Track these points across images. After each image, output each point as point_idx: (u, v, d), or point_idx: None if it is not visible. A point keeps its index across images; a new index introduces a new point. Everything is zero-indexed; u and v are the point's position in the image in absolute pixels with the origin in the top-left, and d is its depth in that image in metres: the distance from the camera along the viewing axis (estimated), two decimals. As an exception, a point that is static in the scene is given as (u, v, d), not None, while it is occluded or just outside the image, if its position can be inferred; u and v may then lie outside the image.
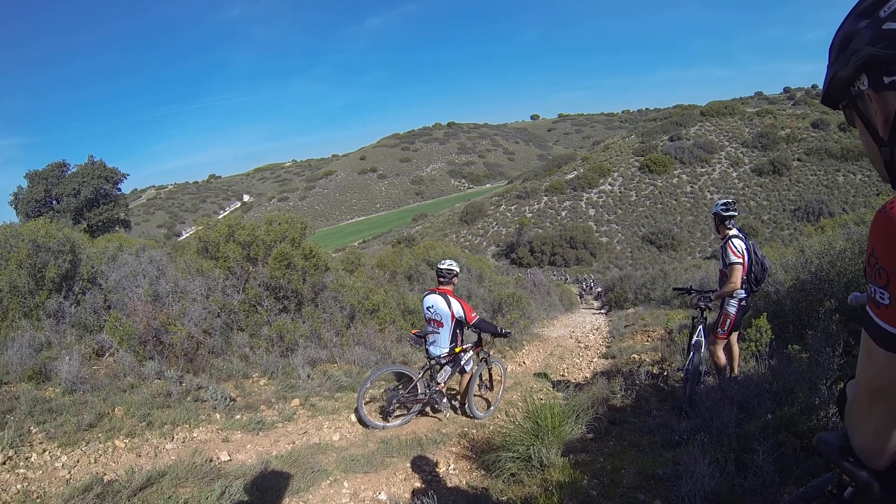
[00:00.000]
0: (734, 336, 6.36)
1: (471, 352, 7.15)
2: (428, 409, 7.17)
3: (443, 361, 6.86)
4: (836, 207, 51.31)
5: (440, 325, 6.75)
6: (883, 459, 1.21)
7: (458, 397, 7.25)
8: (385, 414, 6.74)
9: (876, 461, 1.23)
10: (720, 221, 6.25)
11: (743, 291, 6.10)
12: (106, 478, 4.50)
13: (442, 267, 6.89)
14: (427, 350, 6.93)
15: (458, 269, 7.06)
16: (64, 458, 4.71)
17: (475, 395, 7.34)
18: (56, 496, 4.13)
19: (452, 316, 6.68)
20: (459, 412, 7.26)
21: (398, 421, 6.70)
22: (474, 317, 6.76)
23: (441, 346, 6.79)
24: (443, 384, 6.90)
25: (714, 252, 40.73)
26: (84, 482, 4.32)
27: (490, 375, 7.80)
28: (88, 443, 5.01)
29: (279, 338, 8.33)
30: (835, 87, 1.37)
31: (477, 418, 7.00)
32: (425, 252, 16.68)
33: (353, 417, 6.77)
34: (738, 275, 5.98)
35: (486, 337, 7.41)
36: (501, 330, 7.16)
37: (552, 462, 4.68)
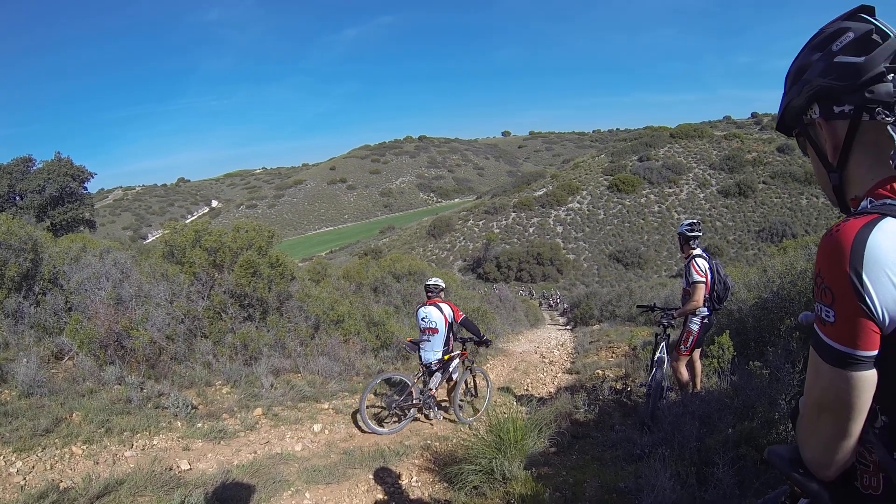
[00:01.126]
0: (696, 353, 6.48)
1: (457, 359, 7.62)
2: (420, 415, 7.47)
3: (434, 368, 7.34)
4: (799, 229, 52.48)
5: (435, 331, 7.25)
6: (831, 471, 1.26)
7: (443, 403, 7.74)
8: (380, 420, 7.24)
9: (825, 472, 1.27)
10: (685, 241, 6.37)
11: (706, 309, 6.22)
12: (62, 485, 4.42)
13: (429, 283, 7.62)
14: (420, 357, 7.45)
15: (443, 285, 7.75)
16: (19, 463, 4.61)
17: (460, 400, 7.75)
18: (10, 503, 4.04)
19: (446, 320, 7.24)
20: (444, 417, 7.70)
21: (396, 426, 7.04)
22: (461, 315, 7.41)
23: (435, 350, 7.28)
24: (434, 389, 7.36)
25: (679, 271, 41.31)
26: (39, 489, 4.24)
27: (475, 382, 8.27)
28: (45, 448, 4.90)
29: (243, 346, 8.25)
30: (789, 115, 1.48)
31: (462, 422, 7.39)
32: (391, 265, 16.72)
33: (316, 428, 6.75)
34: (700, 293, 6.10)
35: (469, 346, 7.98)
36: (483, 337, 7.68)
37: (514, 475, 4.71)
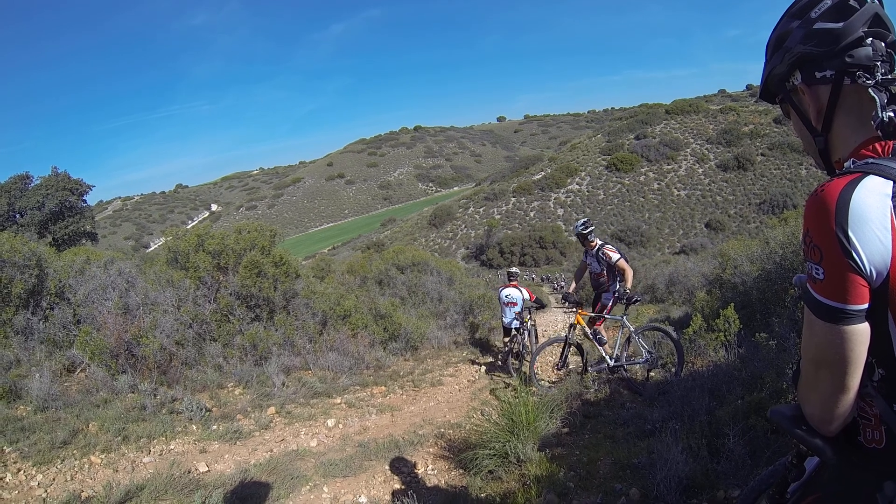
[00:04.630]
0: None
1: (530, 321, 10.17)
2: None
3: (523, 328, 9.85)
4: (800, 200, 52.23)
5: (514, 304, 9.99)
6: (833, 426, 1.29)
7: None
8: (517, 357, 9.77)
9: (827, 428, 1.30)
10: (584, 238, 8.04)
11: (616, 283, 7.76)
12: (83, 494, 4.47)
13: (511, 271, 10.86)
14: (508, 324, 10.09)
15: (520, 272, 10.22)
16: (39, 476, 4.66)
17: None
18: (33, 515, 4.10)
19: (522, 297, 10.00)
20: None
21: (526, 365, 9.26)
22: (534, 296, 10.44)
23: (518, 319, 9.93)
24: (527, 340, 9.86)
25: (683, 247, 41.34)
26: (61, 500, 4.29)
27: (536, 333, 10.69)
28: (63, 460, 4.95)
29: (252, 346, 8.30)
30: (771, 82, 1.51)
31: (533, 360, 9.09)
32: (395, 257, 16.73)
33: (330, 423, 6.80)
34: (629, 267, 7.62)
35: (532, 311, 10.57)
36: (544, 303, 10.89)
37: (529, 457, 4.75)
